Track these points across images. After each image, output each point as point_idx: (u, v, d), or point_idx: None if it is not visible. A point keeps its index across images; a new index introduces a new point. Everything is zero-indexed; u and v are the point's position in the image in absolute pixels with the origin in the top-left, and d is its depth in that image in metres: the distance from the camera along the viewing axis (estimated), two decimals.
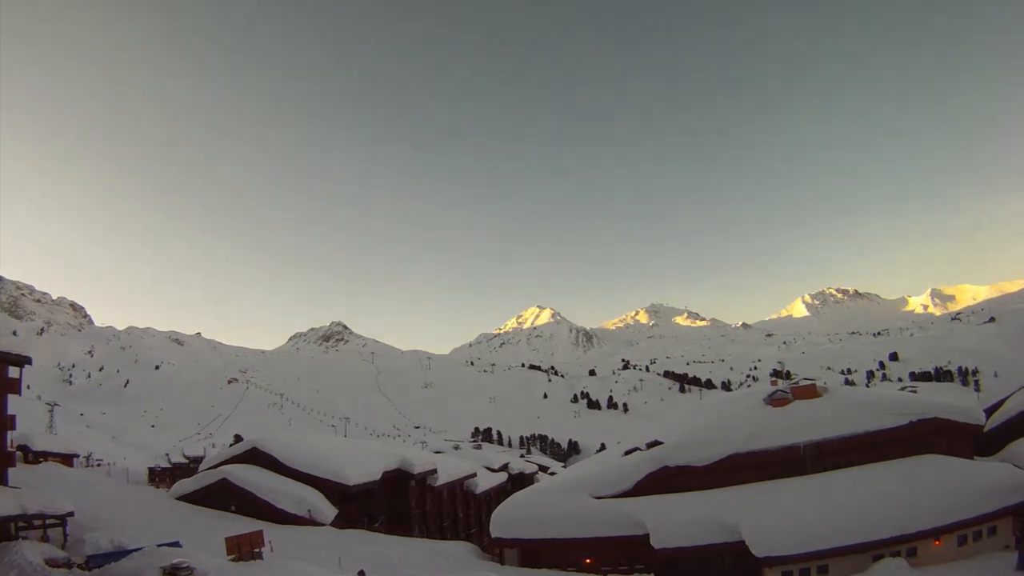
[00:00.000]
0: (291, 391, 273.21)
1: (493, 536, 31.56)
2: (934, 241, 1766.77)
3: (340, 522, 34.81)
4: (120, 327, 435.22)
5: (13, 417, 23.56)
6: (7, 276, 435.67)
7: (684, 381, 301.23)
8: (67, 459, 50.47)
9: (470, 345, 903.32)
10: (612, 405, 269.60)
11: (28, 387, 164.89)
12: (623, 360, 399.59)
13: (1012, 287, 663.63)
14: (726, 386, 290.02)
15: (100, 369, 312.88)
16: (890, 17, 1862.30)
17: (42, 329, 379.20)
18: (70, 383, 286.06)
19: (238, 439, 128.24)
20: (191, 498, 35.48)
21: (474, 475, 53.73)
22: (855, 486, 26.96)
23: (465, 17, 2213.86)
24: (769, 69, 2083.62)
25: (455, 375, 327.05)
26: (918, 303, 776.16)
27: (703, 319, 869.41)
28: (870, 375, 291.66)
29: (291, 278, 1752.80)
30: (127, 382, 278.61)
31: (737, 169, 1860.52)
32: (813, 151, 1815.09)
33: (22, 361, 23.58)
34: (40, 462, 40.58)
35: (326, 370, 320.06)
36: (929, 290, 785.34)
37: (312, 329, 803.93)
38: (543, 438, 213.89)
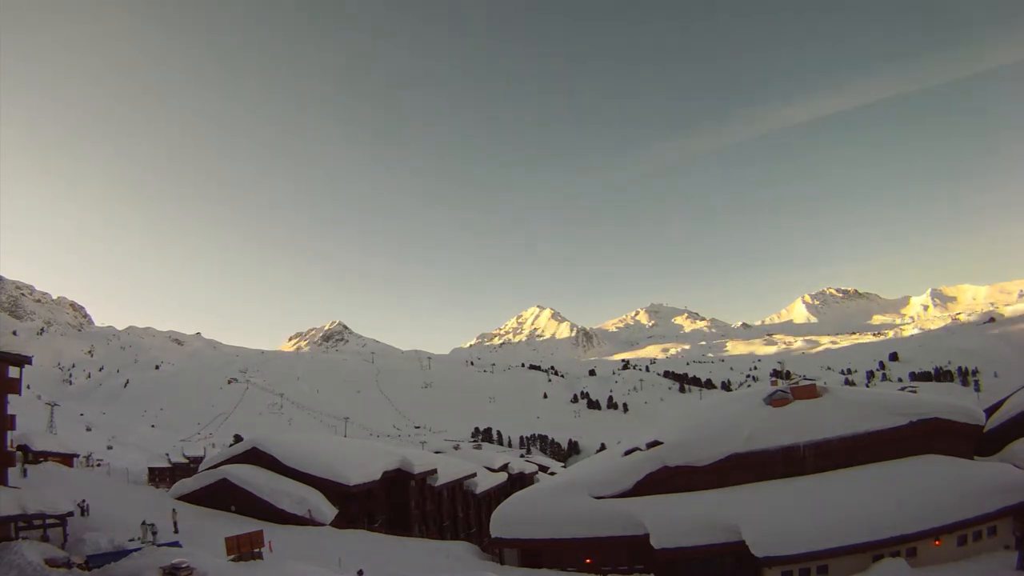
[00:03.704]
0: (291, 391, 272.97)
1: (493, 536, 31.55)
2: (934, 241, 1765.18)
3: (340, 522, 34.80)
4: (120, 327, 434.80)
5: (13, 417, 23.54)
6: (7, 276, 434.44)
7: (684, 381, 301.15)
8: (67, 459, 50.47)
9: (470, 345, 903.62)
10: (612, 405, 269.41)
11: (28, 387, 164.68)
12: (623, 360, 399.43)
13: (1012, 287, 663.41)
14: (726, 386, 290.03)
15: (100, 369, 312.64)
16: (889, 16, 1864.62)
17: (42, 329, 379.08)
18: (70, 383, 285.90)
19: (238, 439, 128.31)
20: (191, 498, 35.50)
21: (474, 475, 53.69)
22: (855, 486, 26.97)
23: (465, 14, 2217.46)
24: (769, 66, 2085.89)
25: (455, 375, 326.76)
26: (918, 303, 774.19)
27: (703, 319, 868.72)
28: (870, 375, 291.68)
29: (291, 278, 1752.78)
30: (127, 382, 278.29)
31: (737, 168, 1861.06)
32: (813, 150, 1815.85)
33: (22, 361, 23.58)
34: (40, 462, 40.58)
35: (326, 370, 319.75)
36: (929, 290, 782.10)
37: (312, 329, 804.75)
38: (543, 438, 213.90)
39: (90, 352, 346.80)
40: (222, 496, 34.78)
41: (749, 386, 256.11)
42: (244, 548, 20.12)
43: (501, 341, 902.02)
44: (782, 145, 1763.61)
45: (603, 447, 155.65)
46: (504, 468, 64.19)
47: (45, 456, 45.65)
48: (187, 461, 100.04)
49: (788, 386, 34.52)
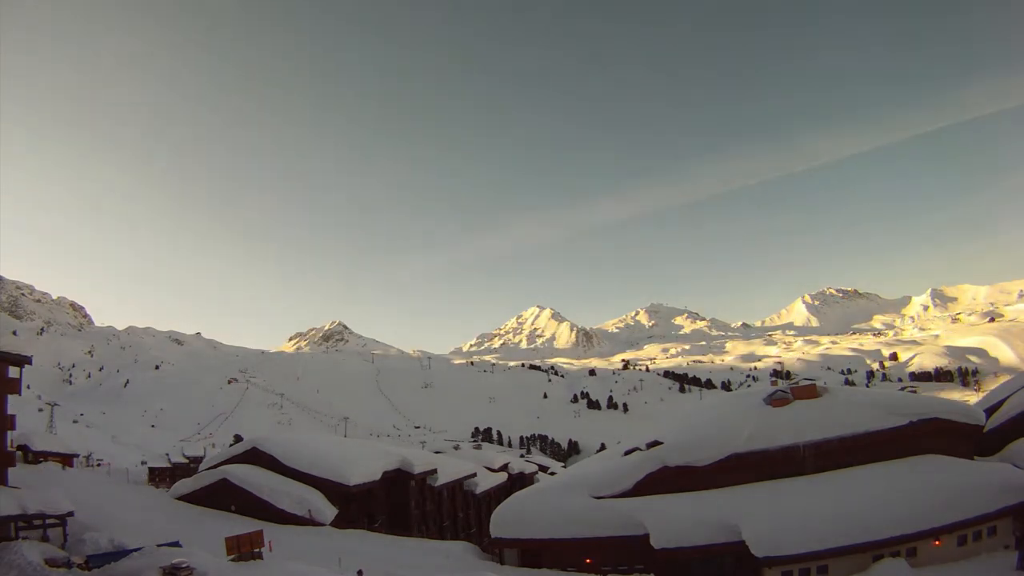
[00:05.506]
0: (291, 391, 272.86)
1: (493, 536, 31.52)
2: (934, 241, 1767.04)
3: (340, 522, 34.78)
4: (120, 327, 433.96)
5: (13, 417, 23.56)
6: (7, 276, 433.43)
7: (684, 381, 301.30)
8: (67, 459, 50.43)
9: (470, 345, 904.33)
10: (612, 405, 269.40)
11: (28, 387, 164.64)
12: (623, 360, 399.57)
13: (1012, 287, 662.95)
14: (726, 386, 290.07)
15: (100, 369, 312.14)
16: (888, 16, 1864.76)
17: (42, 329, 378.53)
18: (70, 383, 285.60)
19: (238, 439, 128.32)
20: (191, 498, 35.46)
21: (474, 475, 53.63)
22: (855, 486, 26.95)
23: (463, 15, 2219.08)
24: (769, 67, 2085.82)
25: (455, 375, 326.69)
26: (918, 303, 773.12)
27: (703, 319, 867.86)
28: (870, 375, 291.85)
29: (291, 278, 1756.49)
30: (127, 382, 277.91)
31: (737, 168, 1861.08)
32: (812, 150, 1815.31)
33: (22, 361, 23.60)
34: (40, 462, 40.59)
35: (326, 370, 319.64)
36: (929, 290, 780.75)
37: (312, 329, 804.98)
38: (543, 438, 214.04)
39: (90, 352, 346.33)
40: (222, 496, 34.73)
41: (749, 386, 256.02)
42: (244, 548, 20.09)
43: (501, 341, 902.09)
44: (782, 143, 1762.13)
45: (603, 447, 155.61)
46: (504, 468, 64.13)
47: (45, 456, 45.61)
48: (187, 461, 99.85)
49: (788, 386, 34.50)
